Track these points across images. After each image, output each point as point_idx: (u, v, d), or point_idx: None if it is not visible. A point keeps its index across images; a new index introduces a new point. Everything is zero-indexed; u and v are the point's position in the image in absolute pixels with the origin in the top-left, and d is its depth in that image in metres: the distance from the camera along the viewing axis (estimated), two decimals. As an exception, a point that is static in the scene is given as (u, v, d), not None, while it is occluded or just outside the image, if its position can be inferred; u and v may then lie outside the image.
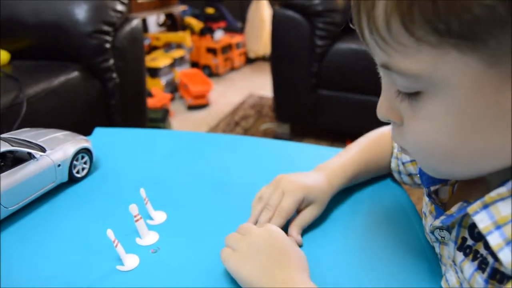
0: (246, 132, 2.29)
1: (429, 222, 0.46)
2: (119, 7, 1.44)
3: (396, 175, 0.64)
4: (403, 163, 0.61)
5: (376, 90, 1.68)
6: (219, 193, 0.64)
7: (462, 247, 0.39)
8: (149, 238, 0.53)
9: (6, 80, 1.16)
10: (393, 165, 0.64)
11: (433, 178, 0.46)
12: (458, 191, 0.46)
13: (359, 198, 0.62)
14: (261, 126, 2.35)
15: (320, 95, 1.96)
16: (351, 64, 1.86)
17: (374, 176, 0.66)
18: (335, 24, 1.87)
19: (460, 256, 0.39)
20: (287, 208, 0.53)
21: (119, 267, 0.49)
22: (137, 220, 0.52)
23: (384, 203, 0.62)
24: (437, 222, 0.43)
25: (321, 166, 0.61)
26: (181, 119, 2.48)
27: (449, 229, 0.42)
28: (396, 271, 0.49)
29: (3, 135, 0.63)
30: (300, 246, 0.53)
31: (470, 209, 0.35)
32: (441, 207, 0.45)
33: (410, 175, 0.61)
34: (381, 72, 0.38)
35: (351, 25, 0.37)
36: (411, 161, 0.60)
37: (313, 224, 0.56)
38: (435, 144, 0.35)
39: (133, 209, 0.52)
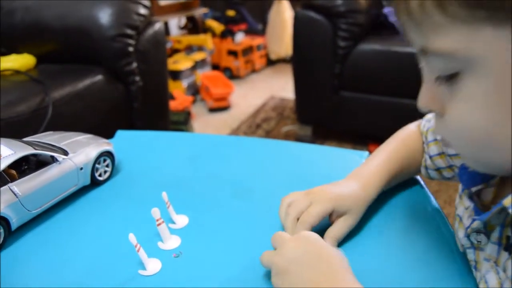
0: (268, 134, 2.28)
1: (466, 225, 0.44)
2: (142, 10, 1.45)
3: (422, 171, 0.62)
4: (430, 157, 0.59)
5: (398, 92, 1.67)
6: (241, 197, 0.64)
7: (508, 247, 0.37)
8: (171, 242, 0.53)
9: (32, 84, 1.19)
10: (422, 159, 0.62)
11: (474, 178, 0.44)
12: (500, 191, 0.43)
13: (384, 203, 0.60)
14: (282, 128, 2.33)
15: (342, 96, 1.94)
16: (374, 65, 1.84)
17: (408, 177, 0.63)
18: (358, 25, 1.85)
19: (505, 255, 0.38)
20: (311, 217, 0.51)
21: (141, 272, 0.48)
22: (159, 224, 0.52)
23: (410, 207, 0.60)
24: (475, 225, 0.41)
25: (354, 173, 0.59)
26: (203, 121, 2.49)
27: (487, 233, 0.40)
28: (425, 276, 0.47)
29: (26, 139, 0.63)
30: None
31: (506, 201, 0.34)
32: (482, 209, 0.43)
33: (438, 169, 0.59)
34: (421, 61, 0.38)
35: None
36: (439, 154, 0.57)
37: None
38: (475, 127, 0.34)
39: (155, 213, 0.51)
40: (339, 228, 0.52)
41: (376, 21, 2.07)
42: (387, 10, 2.16)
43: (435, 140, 0.58)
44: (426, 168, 0.61)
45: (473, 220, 0.42)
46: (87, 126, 1.12)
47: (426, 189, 0.64)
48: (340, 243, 0.52)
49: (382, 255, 0.51)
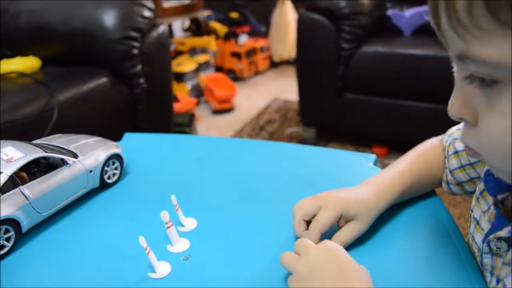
0: (271, 136, 2.28)
1: (484, 229, 0.44)
2: (147, 13, 1.45)
3: (444, 186, 0.61)
4: (450, 171, 0.58)
5: (402, 94, 1.68)
6: (248, 200, 0.64)
7: None
8: (180, 245, 0.53)
9: (37, 87, 1.19)
10: (443, 175, 0.61)
11: (500, 186, 0.43)
12: None
13: (396, 211, 0.60)
14: (286, 130, 2.34)
15: (346, 98, 1.94)
16: (378, 67, 1.84)
17: (425, 191, 0.62)
18: (361, 27, 1.85)
19: None
20: (320, 224, 0.51)
21: (151, 275, 0.48)
22: (168, 227, 0.52)
23: (419, 212, 0.60)
24: (503, 233, 0.40)
25: (368, 180, 0.58)
26: (206, 123, 2.50)
27: (509, 240, 0.40)
28: (433, 281, 0.47)
29: (36, 141, 0.64)
30: None
31: None
32: (504, 215, 0.42)
33: (459, 184, 0.58)
34: (456, 65, 0.36)
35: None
36: (459, 167, 0.57)
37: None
38: None
39: (165, 216, 0.52)
40: (346, 232, 0.52)
41: (379, 23, 2.08)
42: (390, 12, 2.16)
43: (455, 153, 0.57)
44: (448, 183, 0.59)
45: (495, 227, 0.41)
46: (92, 128, 1.12)
47: (435, 192, 0.64)
48: (350, 249, 0.52)
49: (392, 260, 0.51)
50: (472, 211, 0.49)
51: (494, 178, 0.43)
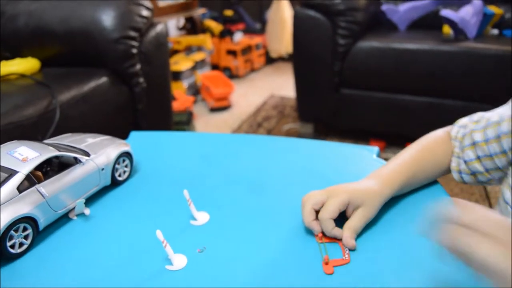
0: (269, 133, 2.29)
1: None
2: (145, 12, 1.46)
3: (455, 175, 0.64)
4: (465, 162, 0.61)
5: (398, 88, 1.71)
6: (256, 193, 0.65)
7: None
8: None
9: (38, 88, 1.19)
10: (453, 164, 0.64)
11: None
12: None
13: (397, 198, 0.62)
14: (283, 127, 2.35)
15: (343, 94, 1.96)
16: (374, 62, 1.86)
17: (429, 181, 0.65)
18: (357, 22, 1.87)
19: None
20: (329, 212, 0.53)
21: (168, 267, 0.50)
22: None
23: (423, 200, 0.62)
24: None
25: (372, 173, 0.61)
26: (204, 121, 2.51)
27: None
28: (439, 265, 0.49)
29: (47, 141, 0.65)
30: (353, 250, 0.52)
31: None
32: None
33: (473, 174, 0.61)
34: None
35: None
36: (476, 158, 0.60)
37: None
38: None
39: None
40: (355, 220, 0.54)
41: (374, 18, 2.10)
42: (385, 7, 2.17)
43: (473, 144, 0.61)
44: (460, 172, 0.63)
45: None
46: (92, 128, 1.13)
47: (436, 180, 0.66)
48: (360, 236, 0.54)
49: (395, 247, 0.53)
50: (503, 194, 0.53)
51: None
